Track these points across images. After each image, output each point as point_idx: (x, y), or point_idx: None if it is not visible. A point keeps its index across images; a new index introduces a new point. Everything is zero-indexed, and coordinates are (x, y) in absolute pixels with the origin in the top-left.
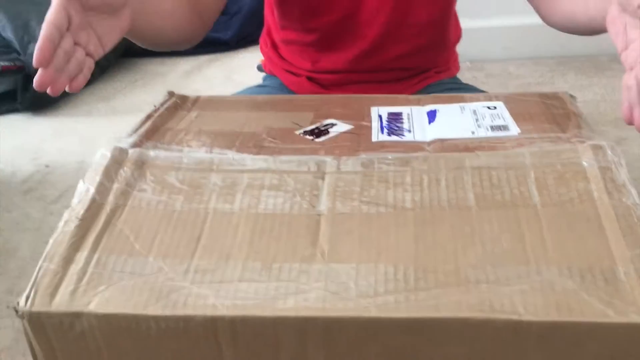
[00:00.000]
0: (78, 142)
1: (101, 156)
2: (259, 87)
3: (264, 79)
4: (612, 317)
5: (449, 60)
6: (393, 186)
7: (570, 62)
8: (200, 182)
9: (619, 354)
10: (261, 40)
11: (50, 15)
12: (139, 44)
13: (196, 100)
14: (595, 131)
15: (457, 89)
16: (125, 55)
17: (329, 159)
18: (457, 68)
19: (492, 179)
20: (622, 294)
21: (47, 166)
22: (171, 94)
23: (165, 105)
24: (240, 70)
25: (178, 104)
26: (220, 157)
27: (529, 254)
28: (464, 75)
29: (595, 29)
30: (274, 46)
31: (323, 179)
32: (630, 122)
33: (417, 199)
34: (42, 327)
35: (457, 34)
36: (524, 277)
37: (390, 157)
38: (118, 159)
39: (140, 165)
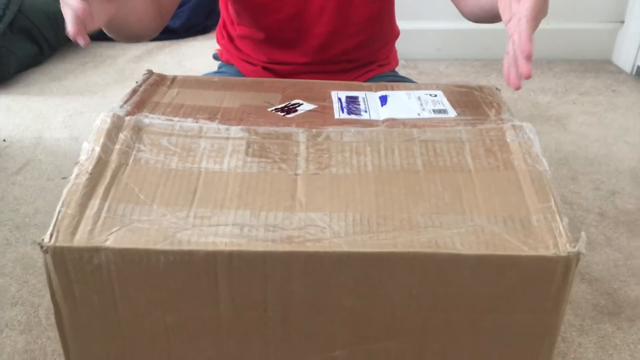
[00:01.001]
0: (33, 118)
1: (102, 121)
2: (217, 73)
3: (220, 66)
4: (527, 251)
5: (389, 55)
6: (356, 154)
7: (494, 64)
8: (192, 147)
9: (531, 281)
10: (217, 32)
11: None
12: (105, 30)
13: (174, 79)
14: (515, 115)
15: (398, 81)
16: None
17: (301, 130)
18: (397, 62)
19: (436, 149)
20: (535, 235)
21: (4, 140)
22: (150, 72)
23: (148, 82)
24: (190, 58)
25: (158, 81)
26: (207, 126)
27: (465, 207)
28: (399, 72)
29: (497, 15)
30: (230, 39)
31: (298, 147)
32: (508, 81)
33: (376, 164)
34: (63, 261)
35: (396, 31)
36: (461, 223)
37: (352, 131)
38: (117, 124)
39: (137, 130)
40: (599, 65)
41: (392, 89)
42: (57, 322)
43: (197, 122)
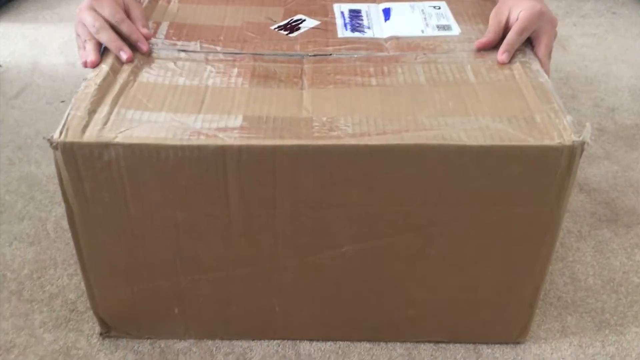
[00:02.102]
0: (28, 45)
1: None
2: None
3: None
4: (531, 141)
5: None
6: (360, 73)
7: None
8: (198, 70)
9: (535, 172)
10: None
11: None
12: None
13: None
14: None
15: None
16: None
17: (305, 54)
18: None
19: (438, 68)
20: (539, 129)
21: (0, 66)
22: None
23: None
24: None
25: None
26: (210, 51)
27: (469, 110)
28: None
29: None
30: None
31: (302, 69)
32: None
33: (380, 80)
34: (74, 157)
35: None
36: (466, 123)
37: (356, 56)
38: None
39: (145, 56)
40: None
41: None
42: (69, 221)
43: (201, 47)
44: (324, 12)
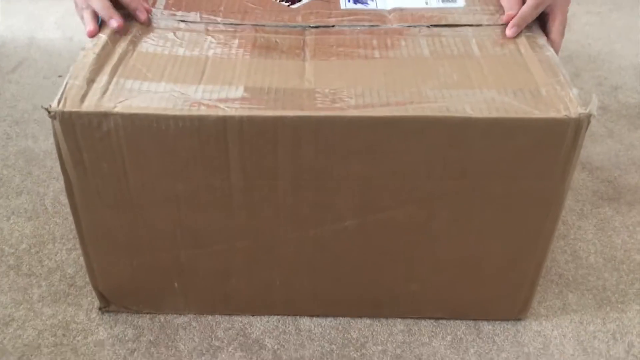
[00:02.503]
0: (25, 20)
1: None
2: None
3: None
4: (537, 114)
5: None
6: (363, 46)
7: None
8: (198, 40)
9: (541, 144)
10: None
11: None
12: None
13: None
14: None
15: None
16: None
17: (307, 25)
18: None
19: (442, 42)
20: (545, 102)
21: None
22: None
23: None
24: None
25: None
26: (211, 22)
27: (474, 83)
28: None
29: None
30: None
31: (304, 41)
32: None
33: (384, 53)
34: (72, 127)
35: None
36: (471, 96)
37: (359, 28)
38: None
39: (145, 27)
40: None
41: None
42: (68, 193)
43: (201, 17)
44: None
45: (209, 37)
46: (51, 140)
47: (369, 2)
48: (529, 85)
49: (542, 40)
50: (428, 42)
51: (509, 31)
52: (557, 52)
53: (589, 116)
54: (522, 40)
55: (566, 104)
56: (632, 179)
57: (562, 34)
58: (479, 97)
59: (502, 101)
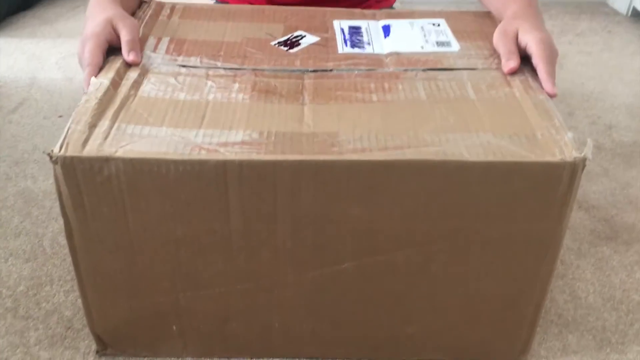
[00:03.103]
0: (26, 60)
1: (111, 61)
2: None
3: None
4: (533, 158)
5: None
6: (361, 89)
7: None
8: (199, 85)
9: (537, 188)
10: None
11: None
12: None
13: (173, 7)
14: None
15: None
16: None
17: (306, 69)
18: None
19: (438, 85)
20: (541, 146)
21: None
22: (146, 1)
23: (147, 14)
24: None
25: (157, 10)
26: (211, 67)
27: (470, 127)
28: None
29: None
30: None
31: (303, 85)
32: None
33: (381, 96)
34: (73, 171)
35: None
36: (468, 140)
37: (356, 72)
38: (126, 63)
39: (145, 71)
40: (594, 8)
41: (395, 17)
42: (67, 237)
43: (201, 62)
44: (324, 29)
45: (209, 82)
46: (50, 180)
47: (365, 46)
48: (525, 129)
49: (535, 83)
50: (424, 86)
51: (552, 90)
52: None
53: (584, 160)
54: (517, 83)
55: (561, 147)
56: (629, 218)
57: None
58: (475, 141)
59: (499, 145)
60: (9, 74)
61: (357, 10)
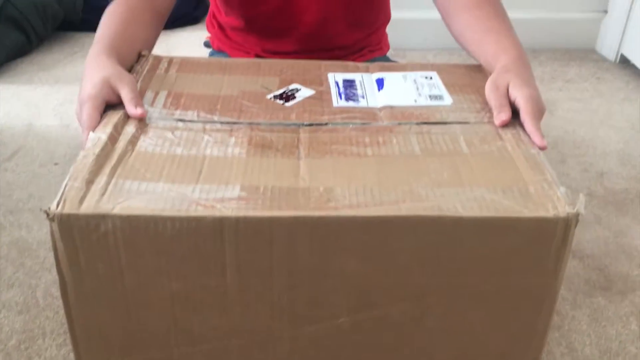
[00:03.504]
0: (23, 107)
1: (109, 116)
2: None
3: (211, 54)
4: (527, 213)
5: (381, 40)
6: (356, 143)
7: None
8: (195, 139)
9: (531, 242)
10: (207, 21)
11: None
12: None
13: (170, 61)
14: None
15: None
16: (61, 28)
17: (301, 124)
18: (388, 47)
19: (432, 139)
20: (534, 201)
21: None
22: (144, 55)
23: (145, 68)
24: (179, 48)
25: (154, 64)
26: (208, 122)
27: (464, 181)
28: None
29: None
30: (221, 28)
31: (298, 139)
32: None
33: (376, 150)
34: (70, 228)
35: (387, 16)
36: (462, 194)
37: (351, 126)
38: (123, 118)
39: (143, 126)
40: (583, 54)
41: (388, 69)
42: (62, 293)
43: (198, 116)
44: (319, 82)
45: (206, 136)
46: (45, 230)
47: (360, 99)
48: (518, 183)
49: (526, 137)
50: (418, 140)
51: (541, 142)
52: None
53: (577, 215)
54: (508, 137)
55: (554, 202)
56: (623, 267)
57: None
58: (469, 196)
59: (492, 199)
60: (6, 121)
61: (351, 63)
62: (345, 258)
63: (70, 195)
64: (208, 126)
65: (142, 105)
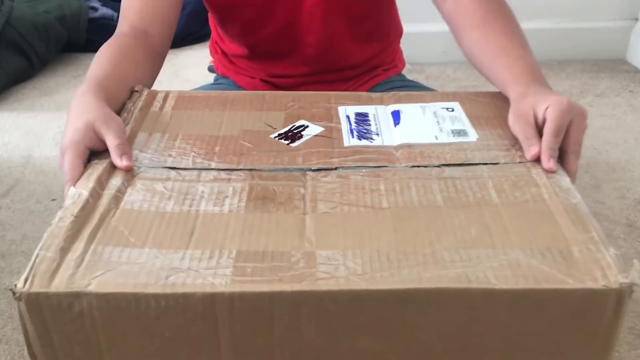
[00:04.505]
0: (22, 136)
1: (92, 167)
2: (214, 86)
3: (216, 79)
4: (572, 284)
5: (394, 57)
6: (370, 192)
7: None
8: (189, 191)
9: (577, 317)
10: (210, 46)
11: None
12: None
13: (166, 96)
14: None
15: (407, 87)
16: (65, 50)
17: (308, 170)
18: (403, 64)
19: (456, 186)
20: (578, 267)
21: None
22: (137, 90)
23: (138, 106)
24: (186, 68)
25: (148, 100)
26: (204, 169)
27: (495, 240)
28: (406, 76)
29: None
30: (224, 54)
31: (305, 187)
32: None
33: (392, 201)
34: (39, 308)
35: (399, 29)
36: (493, 258)
37: (364, 171)
38: (109, 169)
39: (130, 177)
40: (613, 65)
41: (405, 100)
42: None
43: (193, 162)
44: (328, 117)
45: (201, 187)
46: None
47: (374, 137)
48: (558, 243)
49: (565, 181)
50: (441, 187)
51: (548, 165)
52: (573, 181)
53: (631, 286)
54: (544, 181)
55: (603, 269)
56: None
57: (579, 153)
58: (502, 260)
59: (529, 265)
60: (3, 152)
61: (364, 94)
62: (357, 336)
63: (41, 269)
64: (204, 175)
65: (129, 155)
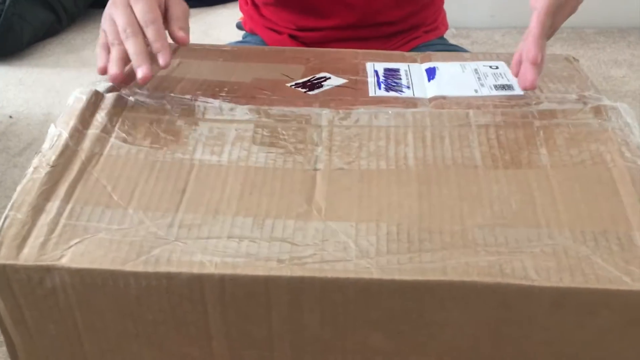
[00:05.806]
0: (44, 93)
1: (76, 99)
2: (240, 43)
3: (244, 36)
4: (630, 284)
5: (437, 18)
6: (394, 142)
7: (556, 33)
8: (184, 132)
9: (634, 324)
10: None
11: None
12: None
13: (176, 48)
14: (602, 93)
15: (449, 51)
16: (94, 5)
17: (324, 112)
18: (446, 27)
19: (499, 137)
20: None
21: (10, 117)
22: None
23: None
24: (217, 26)
25: None
26: (206, 105)
27: (540, 217)
28: (449, 41)
29: None
30: (255, 5)
31: (319, 132)
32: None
33: (420, 155)
34: (8, 282)
35: None
36: (535, 241)
37: (390, 112)
38: (94, 102)
39: (119, 111)
40: None
41: (443, 59)
42: (11, 355)
43: (195, 99)
44: (354, 71)
45: (199, 128)
46: None
47: (404, 89)
48: (617, 225)
49: (636, 138)
50: (480, 138)
51: (528, 75)
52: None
53: None
54: (607, 136)
55: None
56: None
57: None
58: (545, 245)
59: (578, 255)
60: (24, 109)
61: (397, 53)
62: (368, 331)
63: (9, 235)
64: (203, 109)
65: (187, 31)
